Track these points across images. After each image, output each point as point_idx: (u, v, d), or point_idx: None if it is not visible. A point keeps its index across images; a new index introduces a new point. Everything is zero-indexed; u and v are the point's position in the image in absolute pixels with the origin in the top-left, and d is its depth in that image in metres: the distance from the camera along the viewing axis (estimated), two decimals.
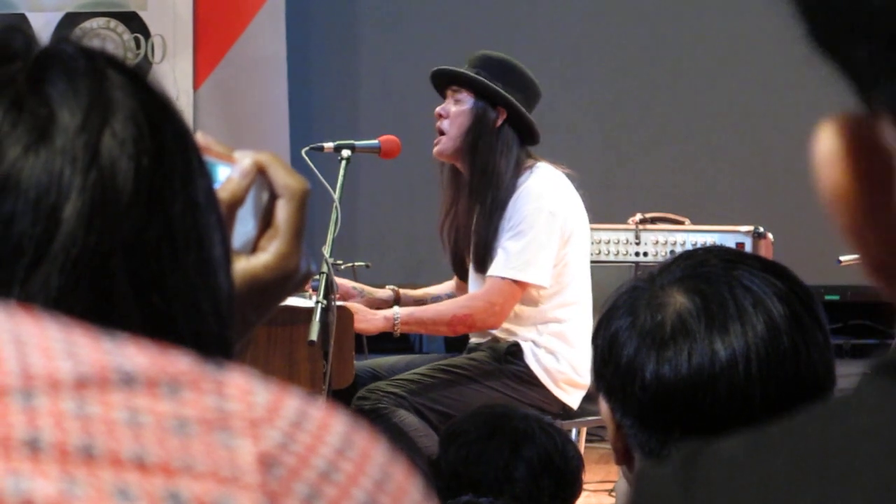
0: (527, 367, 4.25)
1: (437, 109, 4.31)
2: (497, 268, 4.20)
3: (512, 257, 4.17)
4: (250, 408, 0.59)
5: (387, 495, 0.60)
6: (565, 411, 4.27)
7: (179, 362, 0.60)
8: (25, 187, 0.71)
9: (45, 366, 0.58)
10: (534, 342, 4.27)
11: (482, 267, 4.25)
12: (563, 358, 4.27)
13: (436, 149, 4.30)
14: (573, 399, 4.31)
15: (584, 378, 4.30)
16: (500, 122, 4.24)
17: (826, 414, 0.67)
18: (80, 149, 0.72)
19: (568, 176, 4.35)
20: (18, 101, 0.72)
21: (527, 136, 4.30)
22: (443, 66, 4.36)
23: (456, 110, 4.26)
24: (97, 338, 0.60)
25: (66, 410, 0.57)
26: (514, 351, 4.26)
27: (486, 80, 4.23)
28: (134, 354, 0.60)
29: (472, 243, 4.27)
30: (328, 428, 0.60)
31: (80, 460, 0.56)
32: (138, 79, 0.77)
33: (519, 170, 4.24)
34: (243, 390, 0.60)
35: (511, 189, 4.21)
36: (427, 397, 4.15)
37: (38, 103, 0.73)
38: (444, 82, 4.34)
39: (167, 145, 0.75)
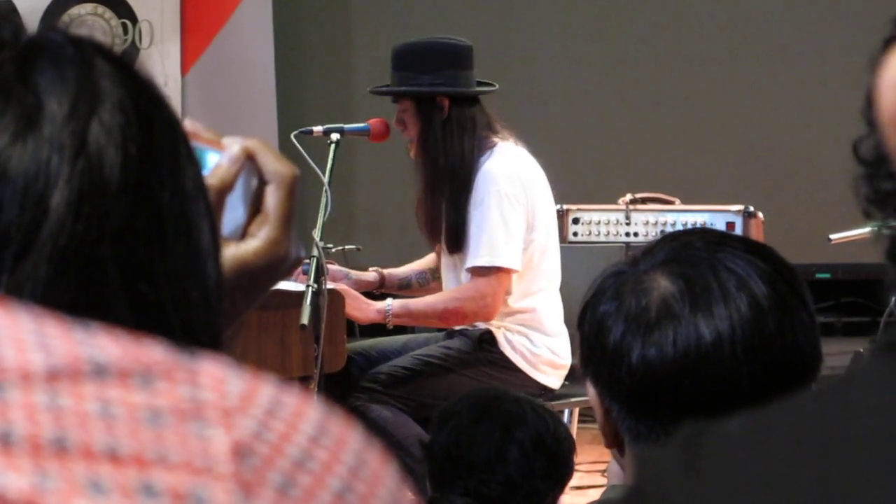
0: (501, 353, 4.27)
1: (394, 124, 4.37)
2: (471, 260, 4.21)
3: (480, 248, 4.19)
4: (223, 397, 0.59)
5: (362, 482, 0.60)
6: (546, 393, 4.28)
7: (152, 352, 0.60)
8: (13, 176, 0.70)
9: (17, 358, 0.58)
10: (505, 328, 4.29)
11: (455, 248, 4.27)
12: (538, 342, 4.28)
13: (411, 154, 4.36)
14: (553, 380, 4.33)
15: (564, 359, 4.32)
16: (446, 111, 4.26)
17: (827, 393, 0.67)
18: (67, 137, 0.71)
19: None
20: (6, 90, 0.72)
21: (478, 101, 4.32)
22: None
23: (407, 119, 4.31)
24: (69, 329, 0.60)
25: (38, 403, 0.57)
26: (488, 338, 4.29)
27: (413, 89, 4.26)
28: (107, 345, 0.60)
29: (444, 228, 4.28)
30: (302, 416, 0.60)
31: (53, 453, 0.56)
32: (126, 67, 0.77)
33: (482, 149, 4.25)
34: (217, 379, 0.60)
35: (475, 169, 4.22)
36: (404, 389, 4.18)
37: (26, 92, 0.72)
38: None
39: (155, 133, 0.75)
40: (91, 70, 0.74)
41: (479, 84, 4.36)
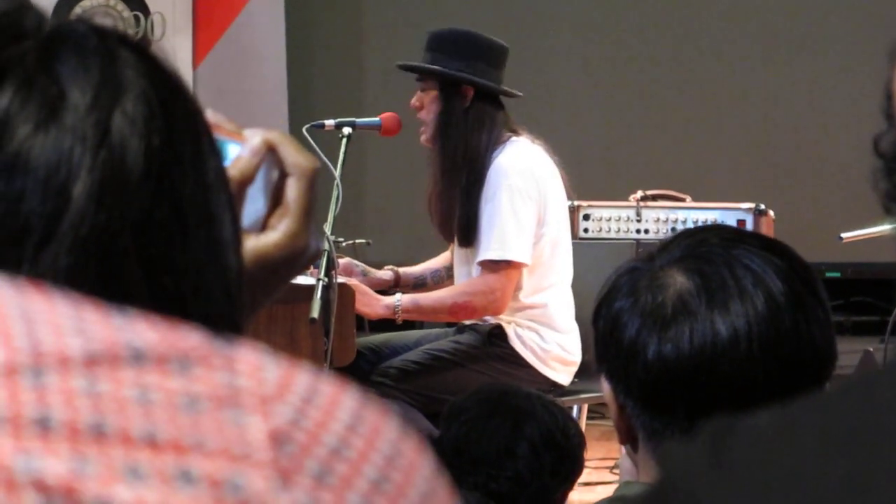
0: (511, 348, 4.27)
1: (412, 102, 4.34)
2: (482, 253, 4.21)
3: (491, 241, 4.19)
4: (261, 384, 0.59)
5: (398, 471, 0.60)
6: (555, 389, 4.28)
7: (190, 338, 0.60)
8: (35, 166, 0.70)
9: (55, 343, 0.58)
10: (516, 324, 4.29)
11: (466, 242, 4.27)
12: (549, 338, 4.28)
13: (422, 138, 4.34)
14: (563, 377, 4.33)
15: (574, 355, 4.32)
16: (468, 101, 4.25)
17: (854, 388, 0.67)
18: (90, 127, 0.71)
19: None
20: (29, 80, 0.72)
21: (501, 103, 4.31)
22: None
23: (426, 100, 4.28)
24: (107, 314, 0.60)
25: (77, 388, 0.57)
26: (498, 333, 4.28)
27: (443, 69, 4.24)
28: (144, 331, 0.60)
29: (456, 221, 4.28)
30: (339, 404, 0.60)
31: (91, 438, 0.56)
32: (150, 58, 0.77)
33: (496, 144, 4.25)
34: (254, 366, 0.60)
35: (488, 163, 4.22)
36: (413, 384, 4.18)
37: (49, 81, 0.72)
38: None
39: (178, 124, 0.75)
40: (114, 60, 0.74)
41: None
